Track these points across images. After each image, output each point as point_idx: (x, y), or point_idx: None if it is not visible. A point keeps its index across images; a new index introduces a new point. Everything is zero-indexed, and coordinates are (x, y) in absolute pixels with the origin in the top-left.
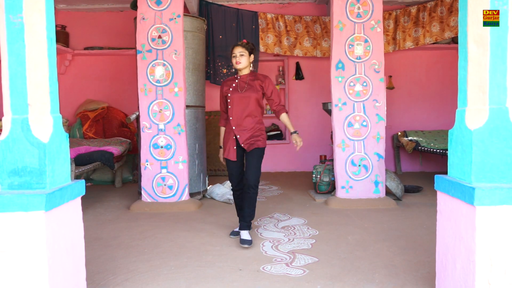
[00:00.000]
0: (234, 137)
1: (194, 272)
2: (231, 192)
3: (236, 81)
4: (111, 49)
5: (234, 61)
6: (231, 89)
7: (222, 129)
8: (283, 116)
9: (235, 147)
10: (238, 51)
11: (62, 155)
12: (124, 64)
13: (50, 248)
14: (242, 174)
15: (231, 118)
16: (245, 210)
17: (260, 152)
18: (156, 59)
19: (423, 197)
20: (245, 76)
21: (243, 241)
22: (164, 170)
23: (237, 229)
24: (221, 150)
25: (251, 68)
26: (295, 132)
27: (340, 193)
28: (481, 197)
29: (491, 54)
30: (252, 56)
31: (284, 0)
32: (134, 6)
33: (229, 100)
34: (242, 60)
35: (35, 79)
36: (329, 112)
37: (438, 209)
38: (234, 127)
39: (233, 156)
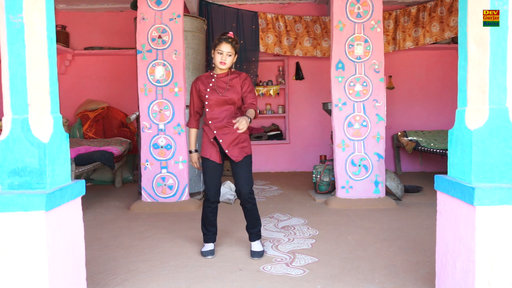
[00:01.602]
0: (215, 141)
1: (194, 272)
2: (232, 192)
3: (213, 80)
4: (111, 49)
5: (218, 58)
6: (208, 89)
7: (193, 130)
8: (250, 110)
9: (218, 151)
10: (227, 50)
11: (62, 155)
12: (124, 64)
13: (50, 248)
14: (220, 183)
15: (210, 122)
16: (247, 223)
17: (249, 159)
18: (156, 59)
19: (423, 197)
20: (223, 75)
21: (253, 253)
22: (164, 170)
23: (209, 249)
24: (194, 154)
25: (232, 68)
26: (249, 118)
27: (340, 193)
28: (481, 197)
29: (491, 54)
30: (236, 56)
31: (284, 0)
32: (134, 6)
33: (206, 103)
34: (228, 60)
35: (35, 79)
36: (329, 112)
37: (438, 209)
38: (215, 131)
39: (217, 158)
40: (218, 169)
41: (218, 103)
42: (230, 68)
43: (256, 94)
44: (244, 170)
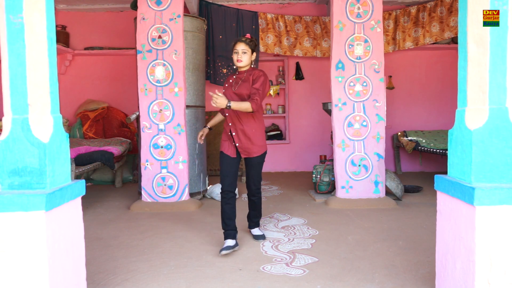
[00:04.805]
0: (231, 134)
1: (194, 272)
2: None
3: (234, 77)
4: (111, 49)
5: (235, 57)
6: (227, 85)
7: (218, 114)
8: (242, 102)
9: (234, 145)
10: (241, 48)
11: (62, 155)
12: (124, 64)
13: (50, 248)
14: (237, 174)
15: (227, 114)
16: (251, 213)
17: (260, 159)
18: (156, 59)
19: (423, 197)
20: (243, 72)
21: (257, 237)
22: (164, 170)
23: (226, 245)
24: (205, 129)
25: (252, 65)
26: (229, 101)
27: (340, 193)
28: (481, 197)
29: (491, 54)
30: (254, 54)
31: (284, 0)
32: (134, 6)
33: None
34: (244, 58)
35: (35, 79)
36: (329, 112)
37: (438, 209)
38: (230, 123)
39: (231, 152)
40: (232, 162)
41: (231, 97)
42: (252, 67)
43: (265, 92)
44: (253, 168)
